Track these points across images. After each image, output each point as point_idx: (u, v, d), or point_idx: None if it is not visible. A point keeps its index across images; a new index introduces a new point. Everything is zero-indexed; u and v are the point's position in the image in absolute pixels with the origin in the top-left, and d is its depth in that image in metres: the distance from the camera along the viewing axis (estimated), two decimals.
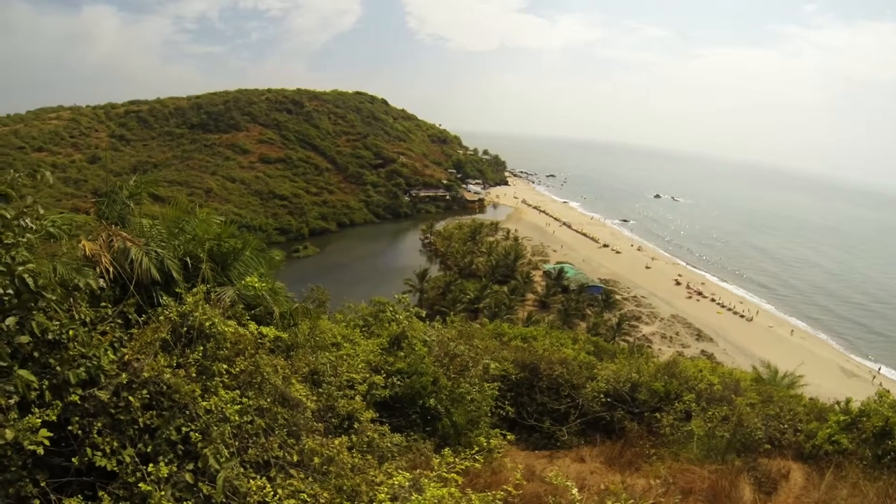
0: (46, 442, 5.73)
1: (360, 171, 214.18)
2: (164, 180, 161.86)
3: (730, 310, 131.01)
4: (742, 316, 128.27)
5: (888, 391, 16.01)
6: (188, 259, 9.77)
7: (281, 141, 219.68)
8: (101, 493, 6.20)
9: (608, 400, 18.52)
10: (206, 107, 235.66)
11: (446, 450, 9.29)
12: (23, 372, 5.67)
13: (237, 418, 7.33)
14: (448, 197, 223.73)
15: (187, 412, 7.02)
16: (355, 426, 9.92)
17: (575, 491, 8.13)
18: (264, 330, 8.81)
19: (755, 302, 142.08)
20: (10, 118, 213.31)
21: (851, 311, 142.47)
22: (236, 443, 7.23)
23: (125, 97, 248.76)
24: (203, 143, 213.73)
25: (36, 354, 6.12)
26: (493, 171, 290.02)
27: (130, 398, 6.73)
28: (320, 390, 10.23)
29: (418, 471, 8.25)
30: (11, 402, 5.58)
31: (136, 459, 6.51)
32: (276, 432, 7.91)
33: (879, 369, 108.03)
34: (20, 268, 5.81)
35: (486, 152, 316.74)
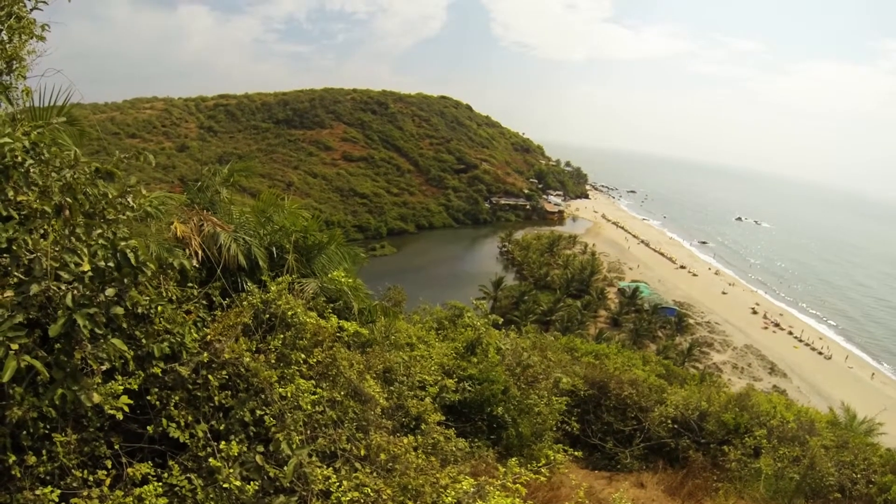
0: (126, 408, 5.92)
1: (441, 174, 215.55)
2: (255, 171, 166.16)
3: (807, 345, 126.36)
4: (820, 353, 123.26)
5: None
6: (274, 249, 10.02)
7: (364, 140, 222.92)
8: (171, 463, 6.41)
9: (675, 427, 18.05)
10: (292, 103, 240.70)
11: (513, 460, 9.26)
12: (116, 341, 5.87)
13: (310, 408, 7.44)
14: (528, 207, 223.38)
15: (262, 396, 7.18)
16: (422, 427, 9.92)
17: None
18: (344, 324, 8.95)
19: (835, 339, 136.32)
20: (108, 106, 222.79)
21: None
22: (307, 431, 7.35)
23: (215, 91, 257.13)
24: (287, 138, 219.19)
25: (124, 326, 6.33)
26: (574, 183, 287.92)
27: (210, 377, 6.95)
28: (392, 388, 10.28)
29: (483, 478, 8.24)
30: (103, 367, 5.79)
31: (209, 435, 6.69)
32: (346, 425, 7.99)
33: None
34: (122, 243, 6.02)
35: (568, 164, 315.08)
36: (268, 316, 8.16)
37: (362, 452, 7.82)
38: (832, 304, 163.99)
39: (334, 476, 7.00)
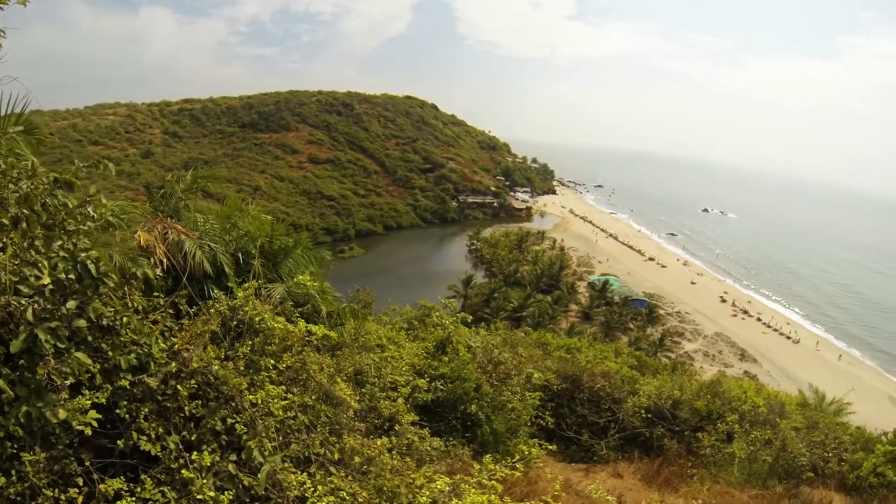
0: (95, 423, 5.86)
1: (408, 174, 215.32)
2: (220, 176, 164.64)
3: (776, 330, 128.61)
4: (788, 337, 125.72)
5: None
6: (240, 255, 9.95)
7: (330, 142, 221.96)
8: (143, 477, 6.32)
9: (648, 416, 18.27)
10: (258, 106, 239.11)
11: (487, 457, 9.28)
12: (80, 354, 5.80)
13: (281, 413, 7.40)
14: (496, 204, 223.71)
15: (233, 404, 7.12)
16: (396, 428, 9.91)
17: None
18: (313, 328, 8.90)
19: (802, 324, 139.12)
20: (69, 112, 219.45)
21: None
22: (279, 437, 7.30)
23: (179, 96, 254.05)
24: (253, 142, 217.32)
25: (90, 339, 6.25)
26: (541, 179, 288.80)
27: (178, 387, 6.86)
28: (363, 391, 10.26)
29: (458, 476, 8.23)
30: (67, 382, 5.72)
31: (180, 446, 6.62)
32: (319, 429, 7.94)
33: None
34: (82, 254, 5.95)
35: (534, 160, 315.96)
36: (235, 322, 8.08)
37: (336, 456, 7.78)
38: (798, 291, 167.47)
39: (309, 481, 6.95)
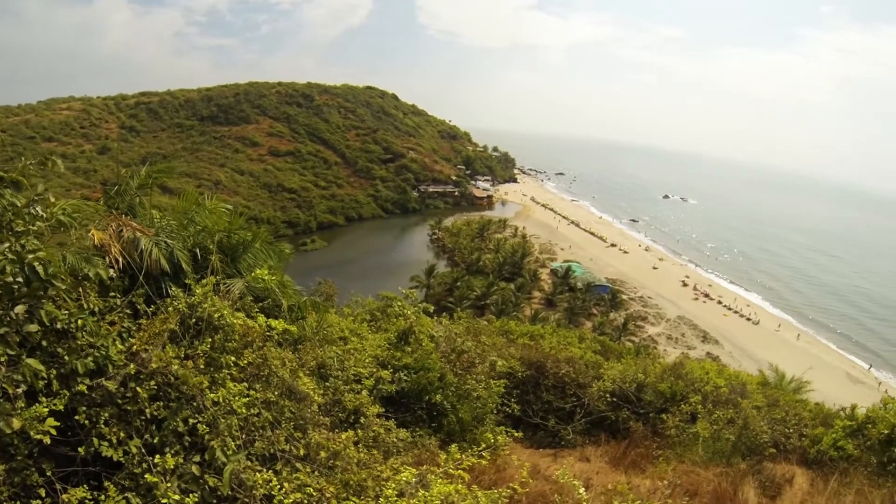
0: (53, 431, 5.72)
1: (369, 165, 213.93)
2: (175, 171, 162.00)
3: (736, 312, 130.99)
4: (749, 319, 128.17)
5: (894, 399, 16.01)
6: (198, 250, 9.77)
7: (290, 134, 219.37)
8: (106, 484, 6.19)
9: (614, 400, 18.53)
10: (217, 99, 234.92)
11: (453, 446, 9.28)
12: (31, 361, 5.66)
13: (244, 411, 7.30)
14: (457, 193, 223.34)
15: (194, 404, 7.01)
16: (361, 421, 9.87)
17: (582, 490, 8.10)
18: (273, 323, 8.77)
19: (762, 305, 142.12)
20: (22, 108, 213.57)
21: (859, 317, 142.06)
22: (243, 435, 7.22)
23: (136, 89, 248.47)
24: (213, 136, 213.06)
25: (44, 343, 6.11)
26: (502, 168, 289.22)
27: (138, 389, 6.73)
28: (327, 384, 10.21)
29: (425, 467, 8.21)
30: (19, 391, 5.57)
31: (143, 450, 6.50)
32: (283, 426, 7.89)
33: (870, 367, 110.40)
34: (30, 256, 5.79)
35: (495, 149, 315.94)
36: (194, 320, 7.95)
37: (302, 452, 7.73)
38: (756, 274, 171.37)
39: (275, 479, 6.89)
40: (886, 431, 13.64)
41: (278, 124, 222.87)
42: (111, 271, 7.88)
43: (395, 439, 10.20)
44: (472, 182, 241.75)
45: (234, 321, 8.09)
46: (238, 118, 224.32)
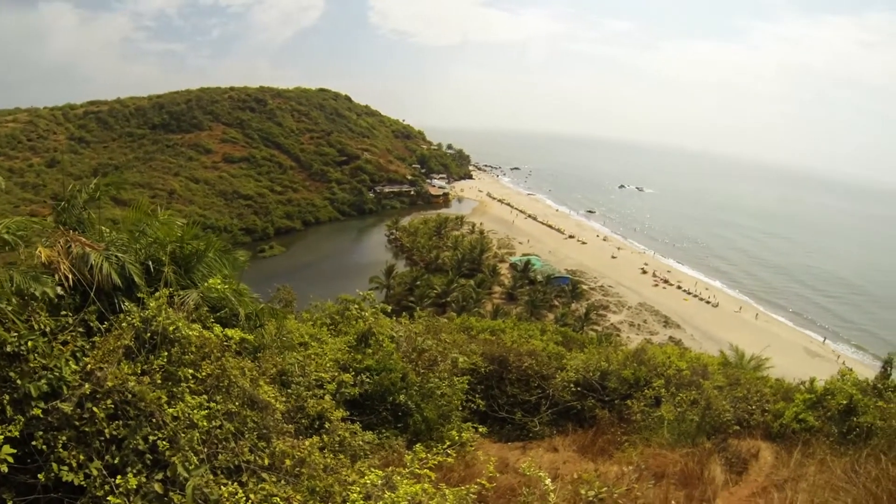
0: (10, 459, 5.60)
1: (324, 168, 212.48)
2: (126, 183, 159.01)
3: (696, 296, 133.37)
4: (708, 302, 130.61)
5: (851, 370, 16.51)
6: (150, 263, 9.56)
7: (244, 140, 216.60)
8: None
9: (578, 389, 18.73)
10: (168, 106, 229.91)
11: (418, 445, 9.29)
12: None
13: (205, 424, 7.21)
14: (412, 192, 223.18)
15: (154, 420, 6.89)
16: (326, 426, 9.83)
17: (548, 481, 8.15)
18: (229, 332, 8.66)
19: (720, 288, 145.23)
20: None
21: (812, 296, 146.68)
22: (205, 449, 7.12)
23: (84, 97, 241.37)
24: (165, 144, 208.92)
25: None
26: (457, 165, 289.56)
27: (95, 409, 6.60)
28: (289, 391, 10.13)
29: (391, 468, 8.21)
30: None
31: (104, 472, 6.39)
32: (246, 436, 7.82)
33: (824, 340, 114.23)
34: None
35: (449, 146, 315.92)
36: (149, 335, 7.82)
37: (266, 461, 7.68)
38: (712, 258, 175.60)
39: (241, 491, 6.84)
40: (845, 402, 14.08)
41: (232, 130, 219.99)
42: (60, 289, 7.73)
43: (361, 442, 10.18)
44: (428, 181, 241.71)
45: (190, 333, 7.97)
46: (190, 125, 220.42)
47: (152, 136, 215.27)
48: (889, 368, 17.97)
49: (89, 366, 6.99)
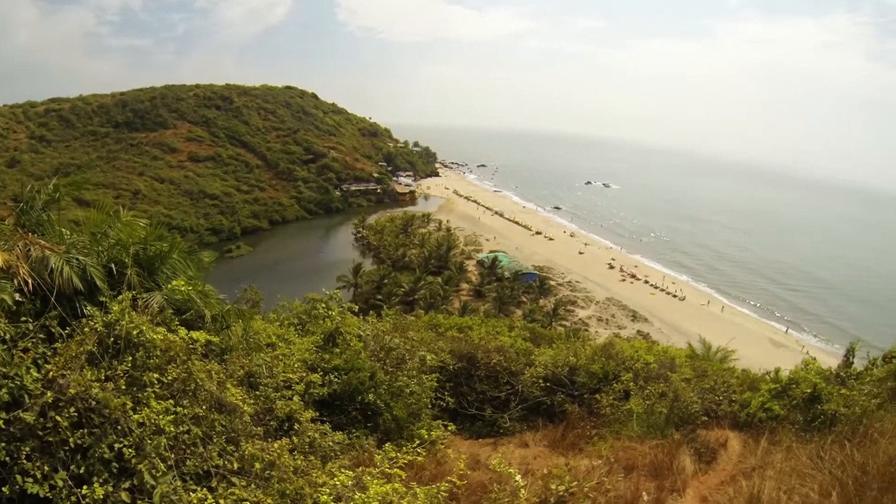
0: None
1: (290, 167, 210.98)
2: (89, 183, 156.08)
3: (663, 290, 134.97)
4: (675, 296, 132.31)
5: (814, 359, 16.94)
6: (113, 266, 9.37)
7: (210, 138, 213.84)
8: None
9: (547, 385, 18.76)
10: (132, 104, 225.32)
11: (388, 445, 9.25)
12: None
13: (172, 429, 7.09)
14: (379, 190, 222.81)
15: (119, 427, 6.75)
16: (296, 427, 9.74)
17: (518, 477, 8.18)
18: (194, 334, 8.53)
19: (687, 282, 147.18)
20: None
21: (775, 289, 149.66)
22: (173, 455, 7.00)
23: (45, 94, 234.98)
24: (129, 143, 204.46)
25: None
26: (423, 162, 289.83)
27: (58, 418, 6.44)
28: (257, 393, 10.03)
29: (361, 468, 8.16)
30: None
31: (70, 482, 6.25)
32: (215, 440, 7.72)
33: (787, 330, 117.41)
34: None
35: (416, 144, 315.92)
36: (113, 339, 7.65)
37: (236, 465, 7.60)
38: (679, 252, 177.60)
39: (210, 497, 6.75)
40: (809, 390, 14.42)
41: (197, 128, 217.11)
42: (18, 295, 7.56)
43: (331, 443, 10.13)
44: (394, 178, 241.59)
45: (155, 336, 7.83)
46: (155, 123, 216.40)
47: (116, 135, 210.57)
48: (851, 357, 18.35)
49: (51, 373, 6.84)
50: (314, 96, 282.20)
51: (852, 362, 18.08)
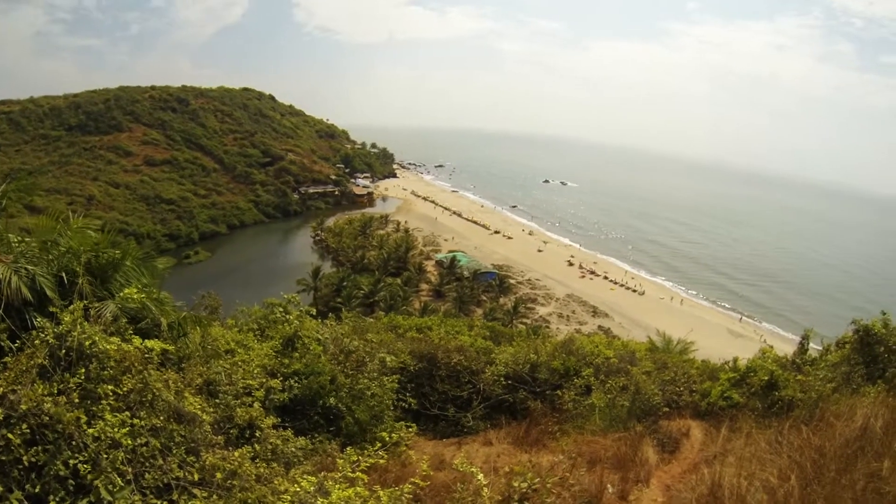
0: None
1: (248, 170, 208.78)
2: (40, 188, 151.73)
3: (622, 286, 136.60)
4: (634, 290, 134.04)
5: (771, 347, 17.52)
6: (63, 275, 9.14)
7: (166, 142, 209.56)
8: None
9: (509, 382, 18.98)
10: (85, 106, 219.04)
11: (349, 449, 9.16)
12: None
13: (129, 442, 6.89)
14: (337, 192, 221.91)
15: (73, 443, 6.56)
16: (257, 434, 9.62)
17: (480, 476, 8.17)
18: (149, 343, 8.31)
19: (645, 277, 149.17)
20: None
21: (727, 283, 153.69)
22: (131, 469, 6.81)
23: None
24: (83, 147, 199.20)
25: None
26: (381, 163, 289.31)
27: (10, 435, 6.23)
28: (217, 401, 9.86)
29: (323, 473, 8.08)
30: None
31: (25, 503, 6.07)
32: (174, 451, 7.53)
33: (741, 319, 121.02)
34: None
35: (373, 145, 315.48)
36: (65, 351, 7.42)
37: (196, 477, 7.43)
38: (637, 248, 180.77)
39: None
40: (766, 378, 15.03)
41: (153, 131, 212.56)
42: None
43: (293, 449, 10.08)
44: (352, 180, 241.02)
45: (108, 347, 7.61)
46: (109, 126, 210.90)
47: (68, 138, 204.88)
48: (806, 344, 18.98)
49: (1, 389, 6.62)
50: (272, 98, 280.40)
51: (807, 349, 18.66)
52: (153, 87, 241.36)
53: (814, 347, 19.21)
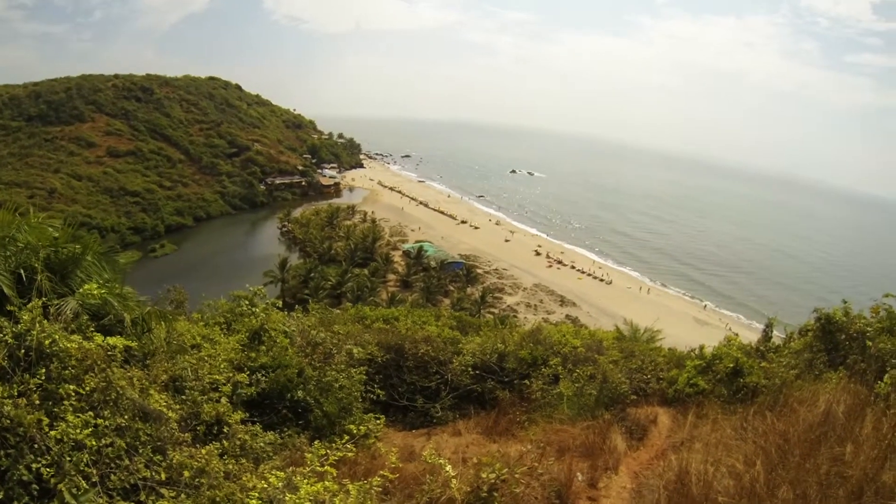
0: None
1: (214, 161, 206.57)
2: None
3: (589, 275, 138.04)
4: (601, 280, 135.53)
5: (736, 335, 17.93)
6: (22, 271, 8.93)
7: (130, 132, 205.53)
8: None
9: (477, 372, 18.98)
10: (46, 95, 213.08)
11: (317, 443, 9.10)
12: None
13: (93, 442, 6.74)
14: (304, 183, 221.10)
15: (36, 446, 6.41)
16: (225, 430, 9.50)
17: (448, 468, 8.19)
18: (112, 340, 8.14)
19: (612, 266, 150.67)
20: None
21: (691, 273, 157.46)
22: (96, 471, 6.66)
23: None
24: (43, 138, 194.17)
25: None
26: (348, 154, 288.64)
27: None
28: (183, 397, 9.71)
29: (291, 468, 8.01)
30: None
31: None
32: (140, 451, 7.38)
33: (705, 306, 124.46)
34: None
35: (340, 136, 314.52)
36: (24, 351, 7.24)
37: (164, 476, 7.31)
38: (603, 238, 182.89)
39: None
40: (731, 365, 15.28)
41: (116, 121, 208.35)
42: None
43: (262, 444, 9.97)
44: (319, 171, 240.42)
45: (69, 345, 7.44)
46: (71, 116, 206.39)
47: (28, 129, 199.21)
48: (770, 332, 19.30)
49: None
50: (238, 87, 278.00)
51: (771, 337, 18.98)
52: (116, 76, 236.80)
53: (777, 335, 19.49)
